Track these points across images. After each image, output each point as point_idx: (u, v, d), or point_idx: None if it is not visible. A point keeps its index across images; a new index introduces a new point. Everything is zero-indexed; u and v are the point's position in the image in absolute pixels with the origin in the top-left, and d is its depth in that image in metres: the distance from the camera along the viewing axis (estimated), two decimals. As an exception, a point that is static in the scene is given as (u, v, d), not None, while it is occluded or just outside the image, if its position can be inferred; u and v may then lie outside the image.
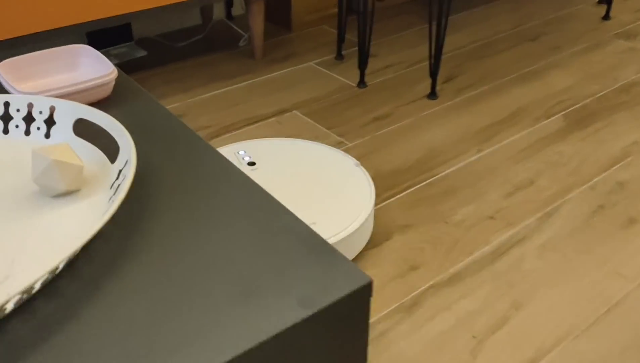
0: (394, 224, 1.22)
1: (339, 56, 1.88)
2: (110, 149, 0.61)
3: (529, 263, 1.12)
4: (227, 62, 1.85)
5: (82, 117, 0.63)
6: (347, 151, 1.44)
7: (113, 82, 0.73)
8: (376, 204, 1.27)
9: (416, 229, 1.20)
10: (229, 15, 2.15)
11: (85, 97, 0.70)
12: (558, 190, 1.31)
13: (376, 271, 1.10)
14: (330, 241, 1.06)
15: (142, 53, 1.88)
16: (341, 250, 1.08)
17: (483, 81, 1.75)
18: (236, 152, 1.29)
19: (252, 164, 1.23)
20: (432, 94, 1.66)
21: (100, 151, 0.60)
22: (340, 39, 1.85)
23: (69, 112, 0.63)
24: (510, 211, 1.25)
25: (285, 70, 1.80)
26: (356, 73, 1.78)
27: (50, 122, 0.64)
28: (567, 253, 1.14)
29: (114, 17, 1.52)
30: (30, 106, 0.65)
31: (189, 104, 1.63)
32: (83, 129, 0.64)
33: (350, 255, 1.11)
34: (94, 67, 0.76)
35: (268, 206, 0.50)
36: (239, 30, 2.04)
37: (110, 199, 0.53)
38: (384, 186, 1.32)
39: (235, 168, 0.58)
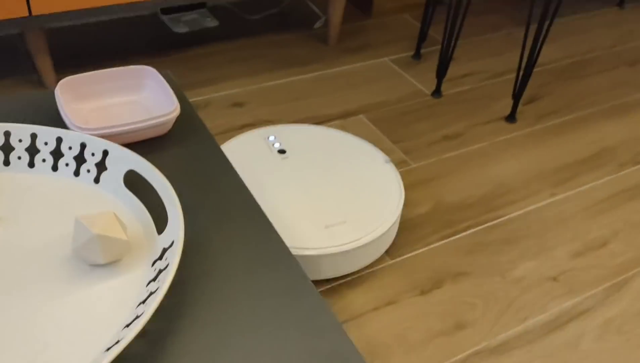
0: (447, 270, 1.13)
1: (417, 55, 1.76)
2: (159, 207, 0.56)
3: (588, 343, 1.02)
4: (298, 45, 1.76)
5: (134, 169, 0.58)
6: (409, 172, 1.35)
7: (174, 120, 0.67)
8: (431, 243, 1.19)
9: (470, 279, 1.12)
10: (308, -10, 2.04)
11: (144, 134, 0.64)
12: (633, 258, 1.19)
13: (422, 323, 1.03)
14: (361, 242, 1.04)
15: (213, 23, 1.81)
16: (365, 251, 1.06)
17: (569, 107, 1.61)
18: (266, 137, 1.23)
19: (282, 152, 1.19)
20: (511, 117, 1.54)
21: (147, 213, 0.55)
22: (422, 36, 1.72)
23: (120, 161, 0.58)
24: (575, 275, 1.15)
25: (357, 64, 1.70)
26: (432, 79, 1.66)
27: (101, 166, 0.60)
28: (631, 337, 1.04)
29: None
30: (83, 145, 0.60)
31: (250, 91, 1.55)
32: (135, 175, 0.59)
33: (370, 258, 1.09)
34: (157, 93, 0.70)
35: (318, 318, 0.45)
36: (317, 11, 1.94)
37: (147, 285, 0.49)
38: (444, 222, 1.23)
39: (289, 255, 0.53)
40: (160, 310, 0.46)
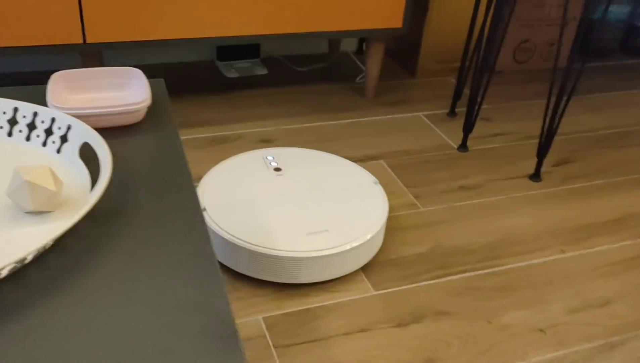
0: (431, 308, 1.11)
1: (452, 112, 1.78)
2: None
3: (565, 397, 0.97)
4: (337, 95, 1.84)
5: (88, 141, 0.65)
6: (415, 215, 1.35)
7: (145, 110, 0.74)
8: (421, 281, 1.18)
9: (453, 319, 1.09)
10: (360, 49, 2.14)
11: (115, 120, 0.72)
12: (633, 321, 1.12)
13: (391, 354, 1.01)
14: (338, 250, 1.10)
15: (262, 71, 1.93)
16: (346, 260, 1.12)
17: (600, 173, 1.56)
18: (265, 157, 1.33)
19: (278, 169, 1.29)
20: (536, 176, 1.51)
21: (89, 178, 0.62)
22: (457, 94, 1.76)
23: (79, 134, 0.65)
24: (567, 329, 1.09)
25: (390, 116, 1.75)
26: (462, 134, 1.68)
27: (64, 139, 0.67)
28: (617, 399, 0.97)
29: (242, 36, 1.57)
30: (52, 120, 0.68)
31: (281, 130, 1.63)
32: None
33: (344, 269, 1.14)
34: (138, 90, 0.78)
35: (204, 274, 0.51)
36: (361, 66, 2.02)
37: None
38: (439, 263, 1.22)
39: (199, 218, 0.57)
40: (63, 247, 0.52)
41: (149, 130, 0.73)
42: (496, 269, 1.22)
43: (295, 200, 1.20)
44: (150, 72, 1.87)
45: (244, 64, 1.97)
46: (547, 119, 1.45)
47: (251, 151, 1.35)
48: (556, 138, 1.71)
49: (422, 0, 1.90)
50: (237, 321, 1.05)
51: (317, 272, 1.10)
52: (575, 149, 1.67)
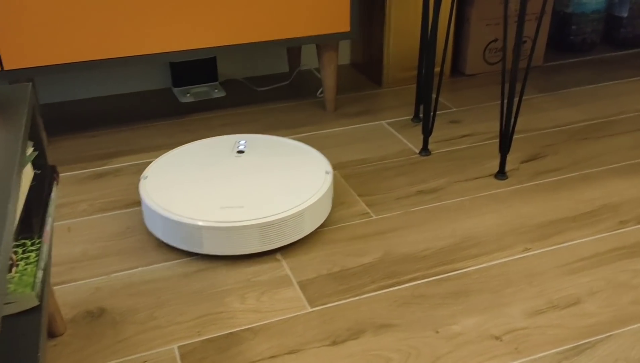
0: (372, 321, 0.99)
1: (416, 118, 1.68)
2: None
3: (520, 412, 0.83)
4: (298, 111, 1.75)
5: None
6: (367, 224, 1.24)
7: None
8: (364, 293, 1.06)
9: (395, 332, 0.97)
10: (325, 65, 2.06)
11: None
12: (607, 320, 0.98)
13: (320, 375, 0.89)
14: (240, 224, 1.11)
15: (220, 94, 1.86)
16: (250, 236, 1.12)
17: (575, 165, 1.44)
18: (237, 141, 1.37)
19: (241, 152, 1.33)
20: (501, 173, 1.39)
21: None
22: (419, 98, 1.65)
23: None
24: (526, 334, 0.96)
25: (351, 126, 1.65)
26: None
27: None
28: (581, 410, 0.83)
29: (196, 50, 1.50)
30: None
31: (231, 148, 1.54)
32: None
33: (244, 248, 1.13)
34: None
35: None
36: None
37: None
38: (386, 272, 1.10)
39: None
40: None
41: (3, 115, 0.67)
42: (450, 274, 1.09)
43: (235, 179, 1.23)
44: (102, 103, 1.81)
45: (200, 88, 1.90)
46: (504, 109, 1.34)
47: (226, 136, 1.40)
48: (530, 134, 1.59)
49: (379, 9, 1.82)
50: (147, 353, 0.94)
51: (221, 244, 1.12)
52: (549, 144, 1.54)
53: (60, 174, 1.44)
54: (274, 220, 1.11)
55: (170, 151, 1.34)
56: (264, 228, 1.11)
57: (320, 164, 1.28)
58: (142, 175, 1.25)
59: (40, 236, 0.80)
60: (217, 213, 1.12)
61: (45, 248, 0.79)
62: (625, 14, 2.12)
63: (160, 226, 1.14)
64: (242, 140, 1.37)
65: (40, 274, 0.75)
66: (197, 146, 1.36)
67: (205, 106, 1.80)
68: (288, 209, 1.13)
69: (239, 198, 1.16)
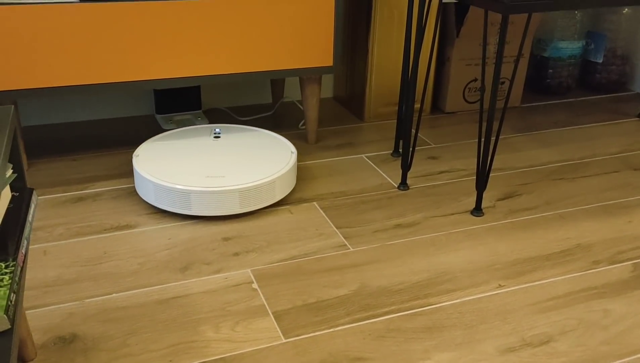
0: (345, 354, 0.99)
1: (396, 152, 1.70)
2: None
3: None
4: (279, 142, 1.76)
5: None
6: (343, 255, 1.25)
7: None
8: (338, 325, 1.06)
9: (369, 366, 0.97)
10: (308, 98, 2.09)
11: None
12: (578, 360, 1.00)
13: (292, 407, 0.89)
14: (224, 189, 1.33)
15: (203, 123, 1.87)
16: (231, 198, 1.34)
17: (550, 205, 1.46)
18: (213, 129, 1.61)
19: (217, 137, 1.57)
20: (477, 210, 1.42)
21: None
22: (399, 133, 1.68)
23: None
24: (498, 371, 0.97)
25: (331, 158, 1.67)
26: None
27: None
28: None
29: (180, 78, 1.52)
30: None
31: (211, 177, 1.55)
32: None
33: (222, 209, 1.35)
34: None
35: None
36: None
37: None
38: (361, 305, 1.11)
39: None
40: None
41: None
42: (425, 308, 1.10)
43: (215, 156, 1.46)
44: (85, 127, 1.81)
45: (184, 116, 1.91)
46: (481, 147, 1.37)
47: (208, 125, 1.64)
48: (506, 172, 1.62)
49: (362, 45, 1.86)
50: (118, 377, 0.93)
51: (207, 206, 1.33)
52: (524, 182, 1.57)
53: (39, 197, 1.44)
54: (251, 186, 1.34)
55: (154, 136, 1.56)
56: (243, 192, 1.34)
57: (286, 147, 1.53)
58: (133, 154, 1.46)
59: (15, 259, 0.79)
60: (204, 180, 1.34)
61: (19, 271, 0.79)
62: (600, 60, 2.19)
63: (153, 192, 1.35)
64: (217, 128, 1.61)
65: (13, 297, 0.74)
66: (178, 133, 1.59)
67: (187, 134, 1.80)
68: (262, 178, 1.37)
69: (221, 170, 1.40)
